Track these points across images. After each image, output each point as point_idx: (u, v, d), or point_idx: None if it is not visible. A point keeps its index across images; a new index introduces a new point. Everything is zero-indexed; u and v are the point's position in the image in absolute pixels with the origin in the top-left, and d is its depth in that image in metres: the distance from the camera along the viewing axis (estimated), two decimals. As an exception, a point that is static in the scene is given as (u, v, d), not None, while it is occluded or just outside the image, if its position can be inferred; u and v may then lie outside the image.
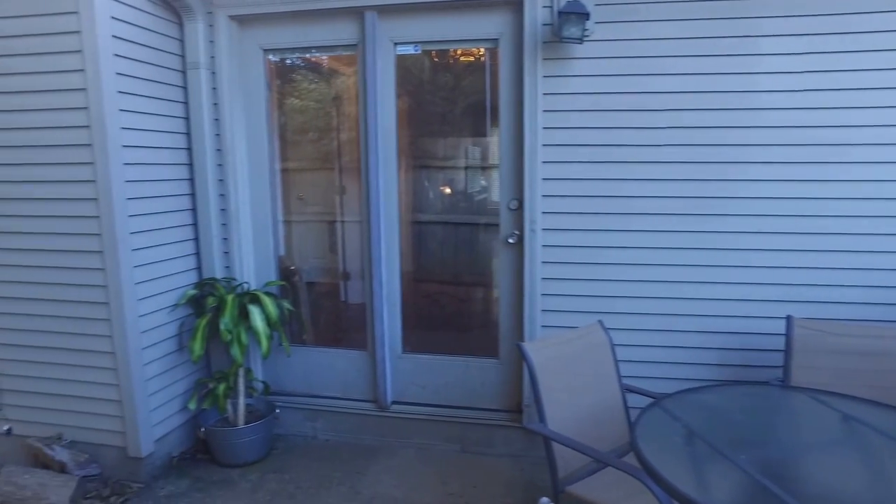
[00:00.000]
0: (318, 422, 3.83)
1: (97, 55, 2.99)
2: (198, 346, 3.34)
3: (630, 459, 2.59)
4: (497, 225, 3.59)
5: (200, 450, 3.66)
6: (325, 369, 3.87)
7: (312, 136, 4.03)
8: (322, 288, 4.26)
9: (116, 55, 3.11)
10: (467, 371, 3.70)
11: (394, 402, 3.76)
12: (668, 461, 1.96)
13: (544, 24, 3.27)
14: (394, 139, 3.60)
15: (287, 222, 4.01)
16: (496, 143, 3.62)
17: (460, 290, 4.02)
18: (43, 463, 3.34)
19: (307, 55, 3.87)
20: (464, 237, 3.96)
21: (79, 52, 3.01)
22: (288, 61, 3.89)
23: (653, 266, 3.31)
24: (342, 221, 4.14)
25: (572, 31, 3.14)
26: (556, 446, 2.46)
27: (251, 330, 3.41)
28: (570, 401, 2.64)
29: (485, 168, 3.86)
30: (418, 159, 3.81)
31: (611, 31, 3.20)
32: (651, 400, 2.38)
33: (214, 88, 3.63)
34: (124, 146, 3.15)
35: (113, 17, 3.08)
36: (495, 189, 3.83)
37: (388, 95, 3.57)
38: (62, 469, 3.28)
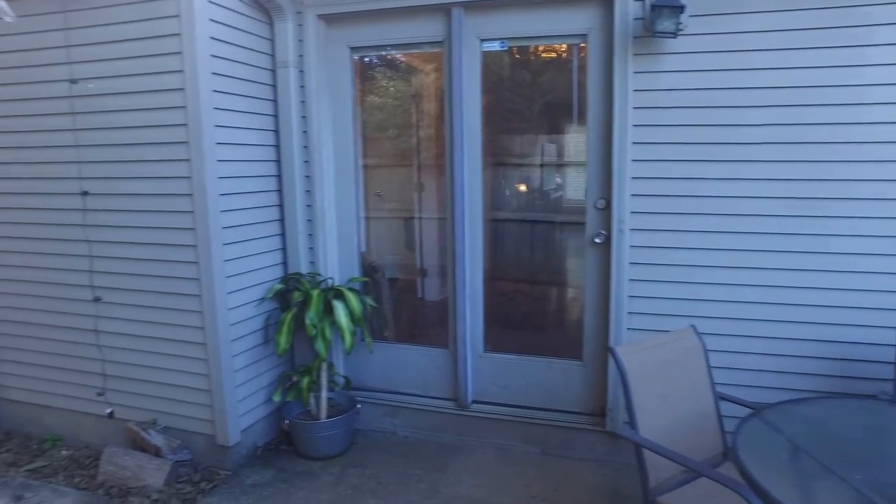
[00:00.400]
0: (397, 418, 3.85)
1: (195, 56, 3.09)
2: (283, 340, 3.42)
3: (725, 471, 2.48)
4: (580, 224, 3.51)
5: (283, 441, 3.75)
6: (405, 366, 3.89)
7: (391, 133, 4.05)
8: (399, 284, 4.29)
9: (213, 56, 3.21)
10: (549, 372, 3.64)
11: (474, 402, 3.74)
12: (771, 476, 1.86)
13: (636, 19, 3.16)
14: (479, 137, 3.57)
15: (367, 219, 4.05)
16: (579, 141, 3.54)
17: (540, 290, 3.96)
18: (140, 446, 3.49)
19: (390, 53, 3.89)
20: (544, 236, 3.90)
21: (178, 53, 3.12)
22: (370, 59, 3.93)
23: (748, 269, 3.15)
24: (420, 218, 4.15)
25: (666, 24, 3.03)
26: (647, 454, 2.38)
27: (335, 325, 3.46)
28: (662, 407, 2.54)
29: (566, 166, 3.79)
30: (496, 156, 3.77)
31: (705, 25, 3.06)
32: (746, 409, 2.27)
33: (302, 87, 3.70)
34: (218, 143, 3.25)
35: (211, 20, 3.18)
36: (577, 187, 3.75)
37: (473, 93, 3.54)
38: (157, 453, 3.43)
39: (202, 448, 3.48)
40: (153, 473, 3.35)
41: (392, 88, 4.10)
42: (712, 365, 2.68)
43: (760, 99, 3.04)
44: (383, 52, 3.88)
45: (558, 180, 3.82)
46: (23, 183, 3.62)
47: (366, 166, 3.98)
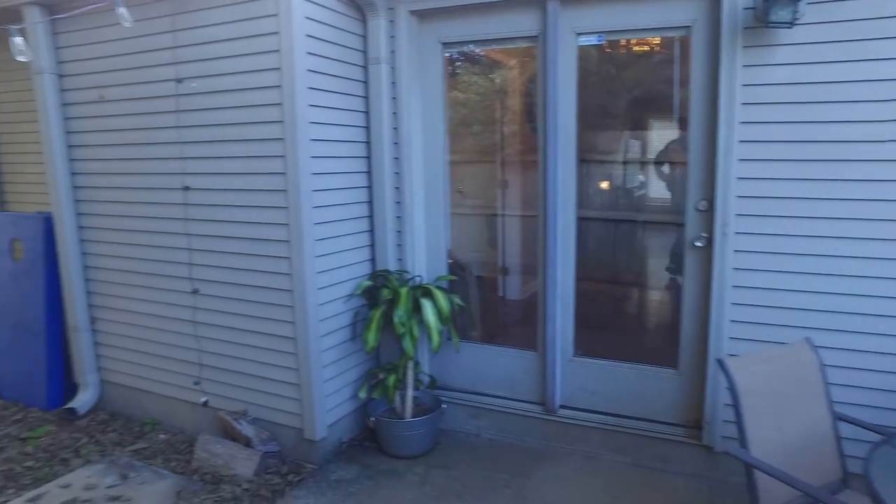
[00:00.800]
0: (481, 420, 3.79)
1: (293, 54, 3.13)
2: (372, 337, 3.42)
3: (845, 499, 2.29)
4: (677, 225, 3.34)
5: (367, 438, 3.76)
6: (490, 367, 3.83)
7: (475, 129, 3.99)
8: (481, 283, 4.22)
9: (308, 53, 3.24)
10: (641, 380, 3.48)
11: (562, 407, 3.63)
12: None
13: (746, 8, 2.96)
14: (573, 134, 3.45)
15: (451, 215, 4.01)
16: (674, 138, 3.36)
17: (630, 292, 3.81)
18: (231, 435, 3.59)
19: (479, 48, 3.83)
20: (637, 236, 3.74)
21: (276, 51, 3.17)
22: (456, 54, 3.87)
23: (870, 279, 2.89)
24: (503, 215, 4.08)
25: (781, 14, 2.82)
26: (758, 476, 2.22)
27: (423, 324, 3.43)
28: (775, 426, 2.36)
29: (660, 164, 3.61)
30: (586, 153, 3.64)
31: (823, 13, 2.83)
32: (869, 432, 2.08)
33: (394, 83, 3.69)
34: (312, 140, 3.28)
35: (307, 18, 3.21)
36: (672, 187, 3.58)
37: (567, 88, 3.42)
38: (247, 443, 3.51)
39: (289, 441, 3.54)
40: (243, 463, 3.43)
41: (476, 84, 4.03)
42: (830, 382, 2.48)
43: (888, 93, 2.78)
44: (473, 48, 3.82)
45: (646, 179, 3.65)
46: (134, 178, 3.80)
47: (450, 162, 3.94)
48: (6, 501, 3.26)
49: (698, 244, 3.23)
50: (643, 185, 3.64)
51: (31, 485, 3.43)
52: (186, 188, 3.55)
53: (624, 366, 3.52)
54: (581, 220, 3.54)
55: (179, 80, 3.46)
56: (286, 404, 3.50)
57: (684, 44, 3.24)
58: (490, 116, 3.96)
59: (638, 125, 3.65)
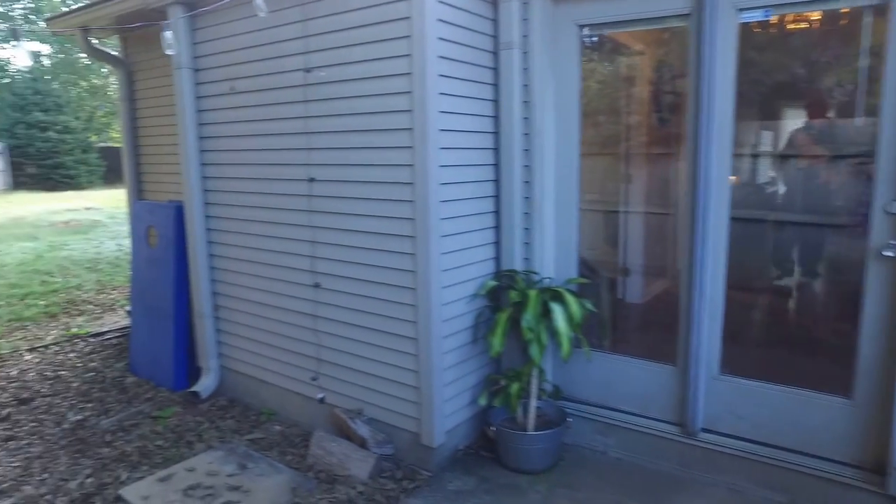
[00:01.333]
0: (609, 436, 3.47)
1: (424, 39, 2.95)
2: (497, 342, 3.20)
3: None
4: (855, 228, 2.86)
5: (483, 447, 3.55)
6: (620, 379, 3.50)
7: (599, 118, 3.66)
8: (612, 286, 3.89)
9: (440, 38, 3.06)
10: (803, 407, 3.03)
11: (703, 430, 3.24)
12: None
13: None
14: (729, 124, 3.04)
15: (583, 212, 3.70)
16: (855, 127, 2.89)
17: (793, 305, 3.34)
18: (345, 434, 3.50)
19: (619, 31, 3.50)
20: (802, 240, 3.29)
21: (407, 37, 3.01)
22: (589, 38, 3.55)
23: None
24: (625, 212, 3.73)
25: None
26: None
27: (552, 330, 3.17)
28: None
29: (833, 159, 3.14)
30: (741, 146, 3.22)
31: None
32: None
33: (525, 69, 3.44)
34: (441, 130, 3.10)
35: (439, 0, 3.03)
36: (854, 184, 3.09)
37: (724, 73, 3.01)
38: (362, 444, 3.40)
39: (405, 445, 3.39)
40: (358, 465, 3.32)
41: (604, 70, 3.71)
42: None
43: None
44: (611, 30, 3.50)
45: (813, 175, 3.19)
46: (259, 169, 3.79)
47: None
48: (141, 477, 3.37)
49: (887, 253, 2.74)
50: (809, 181, 3.18)
51: (161, 464, 3.51)
52: (312, 180, 3.48)
53: (781, 389, 3.07)
54: (734, 221, 3.12)
55: (308, 70, 3.39)
56: (403, 406, 3.35)
57: (880, 13, 2.75)
58: (613, 105, 3.64)
59: (804, 113, 3.19)
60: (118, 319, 6.43)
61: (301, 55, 3.42)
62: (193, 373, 4.49)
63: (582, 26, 3.40)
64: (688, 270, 3.19)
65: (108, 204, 17.24)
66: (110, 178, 24.41)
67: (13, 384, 4.79)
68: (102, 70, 26.64)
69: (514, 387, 3.33)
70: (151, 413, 4.17)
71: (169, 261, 4.50)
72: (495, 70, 3.48)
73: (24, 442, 3.87)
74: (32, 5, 25.38)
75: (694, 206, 3.12)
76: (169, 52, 3.62)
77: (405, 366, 3.28)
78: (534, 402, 3.38)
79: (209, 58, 3.97)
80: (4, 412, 4.29)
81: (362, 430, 3.43)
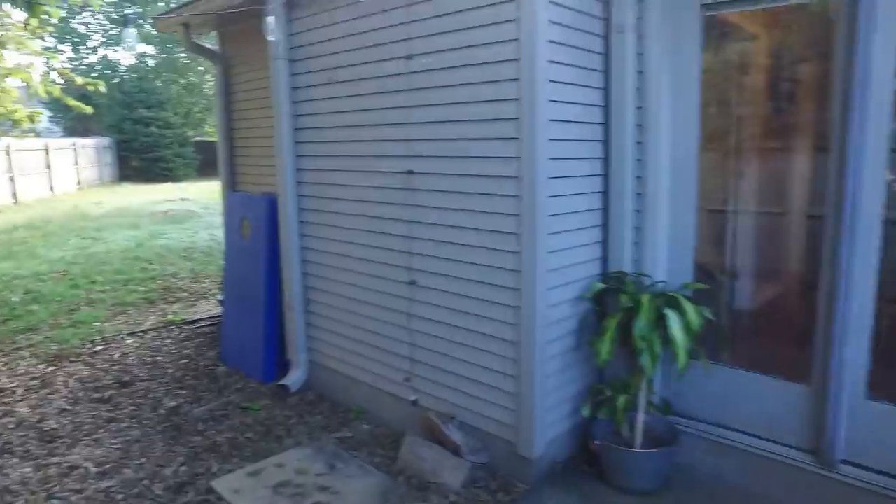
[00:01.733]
0: (726, 459, 3.14)
1: (534, 23, 2.75)
2: (605, 350, 2.94)
3: None
4: None
5: (584, 461, 3.30)
6: (740, 396, 3.16)
7: (707, 110, 3.32)
8: (733, 292, 3.54)
9: (550, 22, 2.83)
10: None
11: (844, 462, 2.85)
12: None
13: None
14: (889, 114, 2.64)
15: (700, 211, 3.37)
16: None
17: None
18: (437, 438, 3.34)
19: (749, 8, 3.15)
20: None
21: (514, 21, 2.82)
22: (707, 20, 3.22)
23: None
24: (734, 211, 3.37)
25: None
26: None
27: (666, 339, 2.88)
28: None
29: None
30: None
31: None
32: None
33: (640, 54, 3.16)
34: (550, 121, 2.88)
35: (550, -20, 2.80)
36: None
37: (884, 56, 2.62)
38: (455, 450, 3.23)
39: (499, 454, 3.20)
40: (451, 472, 3.15)
41: (711, 56, 3.35)
42: None
43: None
44: (739, 8, 3.16)
45: None
46: (354, 161, 3.69)
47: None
48: (231, 470, 3.35)
49: None
50: None
51: (250, 457, 3.48)
52: (410, 172, 3.33)
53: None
54: (889, 223, 2.72)
55: (409, 58, 3.24)
56: (500, 413, 3.16)
57: None
58: (722, 95, 3.31)
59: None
60: (210, 308, 6.57)
61: (403, 42, 3.27)
62: (282, 365, 4.46)
63: (705, 5, 3.09)
64: (829, 278, 2.81)
65: (201, 195, 18.00)
66: (204, 170, 25.60)
67: (115, 367, 4.95)
68: (199, 68, 27.94)
69: (621, 399, 3.06)
70: (241, 404, 4.18)
71: (261, 252, 4.49)
72: (605, 56, 3.22)
73: (124, 424, 3.95)
74: (140, 10, 26.93)
75: (840, 207, 2.74)
76: (270, 38, 3.57)
77: (504, 370, 3.09)
78: (642, 417, 3.10)
79: (305, 48, 3.91)
80: (107, 394, 4.42)
81: (455, 435, 3.27)
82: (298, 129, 4.04)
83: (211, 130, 29.27)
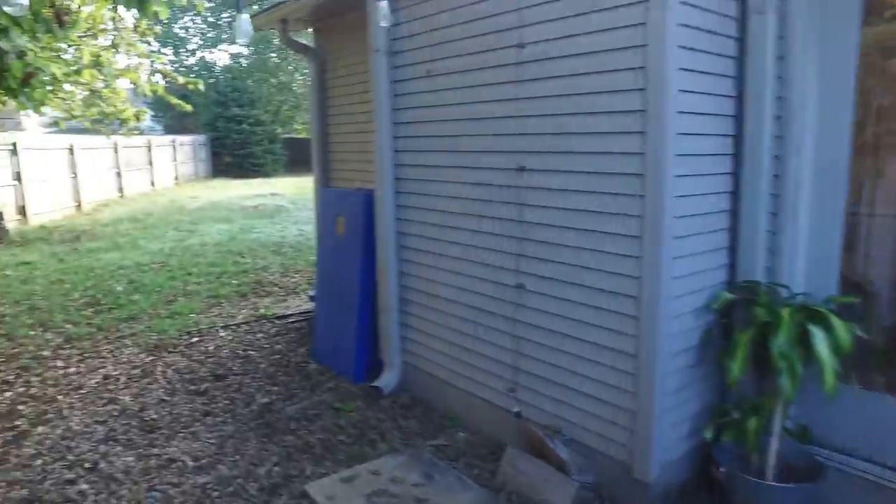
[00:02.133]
0: (881, 500, 2.75)
1: (663, 7, 2.48)
2: (737, 367, 2.64)
3: None
4: None
5: (701, 487, 3.00)
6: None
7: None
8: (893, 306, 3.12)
9: (681, 2, 2.55)
10: None
11: None
12: None
13: None
14: None
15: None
16: None
17: None
18: (540, 453, 3.12)
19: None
20: None
21: (642, 2, 2.55)
22: None
23: None
24: (869, 214, 2.96)
25: None
26: None
27: (809, 358, 2.55)
28: None
29: None
30: None
31: None
32: None
33: (781, 38, 2.82)
34: (679, 113, 2.60)
35: (684, -44, 2.52)
36: None
37: None
38: (560, 467, 3.00)
39: (609, 474, 2.95)
40: (556, 491, 2.93)
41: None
42: None
43: None
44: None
45: None
46: (458, 156, 3.52)
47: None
48: (325, 474, 3.26)
49: None
50: None
51: (344, 462, 3.39)
52: (522, 169, 3.11)
53: None
54: None
55: (521, 46, 3.03)
56: (612, 431, 2.91)
57: None
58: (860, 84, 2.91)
59: None
60: (300, 303, 6.61)
61: (514, 30, 3.07)
62: (374, 366, 4.36)
63: (865, -20, 2.72)
64: None
65: (289, 190, 18.47)
66: (292, 166, 26.38)
67: (210, 359, 5.02)
68: (289, 67, 28.80)
69: (752, 422, 2.74)
70: (333, 404, 4.10)
71: (356, 250, 4.40)
72: (740, 41, 2.89)
73: (219, 419, 3.96)
74: (235, 13, 28.05)
75: None
76: (383, 24, 3.44)
77: (620, 385, 2.83)
78: (775, 444, 2.77)
79: (406, 40, 3.78)
80: (203, 387, 4.46)
81: (561, 451, 3.04)
82: (398, 123, 3.91)
83: (299, 128, 30.18)
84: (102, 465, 3.42)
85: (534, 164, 3.06)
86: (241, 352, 5.19)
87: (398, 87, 3.88)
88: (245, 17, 3.27)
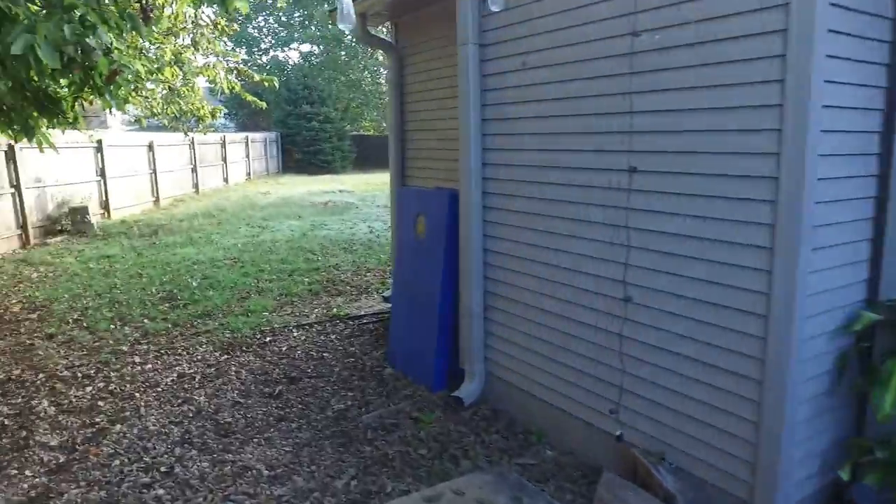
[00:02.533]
0: None
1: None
2: (890, 400, 2.29)
3: None
4: None
5: (832, 530, 2.65)
6: None
7: None
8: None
9: (830, -23, 2.22)
10: None
11: None
12: None
13: None
14: None
15: None
16: None
17: None
18: (642, 481, 2.84)
19: None
20: None
21: (782, -23, 2.23)
22: None
23: None
24: None
25: None
26: None
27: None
28: None
29: None
30: None
31: None
32: None
33: (942, 21, 2.43)
34: (824, 107, 2.26)
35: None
36: None
37: None
38: (666, 498, 2.71)
39: (723, 509, 2.64)
40: (664, 526, 2.64)
41: None
42: None
43: None
44: None
45: None
46: (555, 156, 3.26)
47: None
48: (406, 491, 3.09)
49: None
50: None
51: (425, 479, 3.21)
52: (633, 170, 2.82)
53: None
54: None
55: (636, 34, 2.74)
56: (729, 463, 2.59)
57: None
58: None
59: None
60: (373, 303, 6.48)
61: (626, 17, 2.78)
62: (454, 374, 4.16)
63: None
64: None
65: (358, 187, 18.57)
66: (360, 163, 26.62)
67: (283, 360, 4.93)
68: (359, 65, 29.09)
69: (901, 464, 2.38)
70: (412, 413, 3.92)
71: (437, 252, 4.20)
72: (894, 20, 2.51)
73: (293, 425, 3.84)
74: (306, 12, 28.56)
75: None
76: (494, 8, 3.21)
77: (741, 413, 2.52)
78: (927, 490, 2.40)
79: (498, 31, 3.54)
80: (277, 389, 4.36)
81: (668, 481, 2.74)
82: (487, 119, 3.68)
83: (367, 125, 30.46)
84: (178, 469, 3.35)
85: (647, 166, 2.76)
86: (314, 353, 5.09)
87: (487, 82, 3.65)
88: (348, 1, 3.11)
